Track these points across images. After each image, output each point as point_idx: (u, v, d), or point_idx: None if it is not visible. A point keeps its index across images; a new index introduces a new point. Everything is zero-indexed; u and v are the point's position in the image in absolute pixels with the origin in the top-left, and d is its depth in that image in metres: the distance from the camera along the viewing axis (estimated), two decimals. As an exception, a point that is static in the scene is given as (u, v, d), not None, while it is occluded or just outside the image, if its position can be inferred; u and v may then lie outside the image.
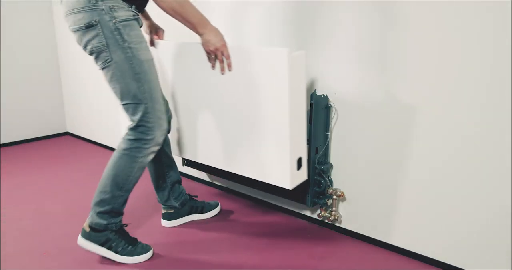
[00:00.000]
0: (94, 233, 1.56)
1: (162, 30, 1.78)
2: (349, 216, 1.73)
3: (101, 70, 1.47)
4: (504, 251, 1.34)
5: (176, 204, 1.86)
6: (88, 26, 1.38)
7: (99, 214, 1.55)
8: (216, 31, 1.48)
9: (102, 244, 1.56)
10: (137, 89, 1.44)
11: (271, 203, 2.02)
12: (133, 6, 1.44)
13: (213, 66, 1.57)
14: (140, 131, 1.49)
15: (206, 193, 2.22)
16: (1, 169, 2.66)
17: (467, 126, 1.34)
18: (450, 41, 1.33)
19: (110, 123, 2.95)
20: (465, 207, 1.40)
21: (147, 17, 1.75)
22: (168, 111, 1.72)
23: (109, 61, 1.41)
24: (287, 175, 1.51)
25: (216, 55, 1.51)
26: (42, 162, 2.77)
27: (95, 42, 1.40)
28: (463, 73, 1.32)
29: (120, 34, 1.39)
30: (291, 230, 1.81)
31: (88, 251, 1.67)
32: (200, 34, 1.48)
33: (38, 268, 1.57)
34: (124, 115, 1.55)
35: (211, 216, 1.95)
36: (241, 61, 1.50)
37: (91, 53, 1.44)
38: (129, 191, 1.56)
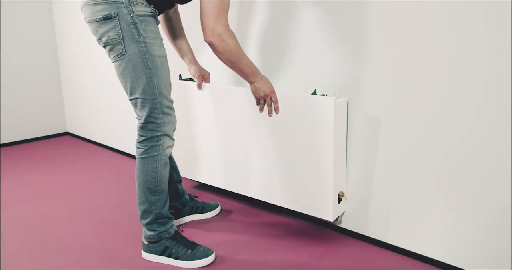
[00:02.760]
0: (152, 245, 1.59)
1: (208, 73, 1.92)
2: (349, 216, 1.73)
3: (113, 63, 1.49)
4: (504, 251, 1.34)
5: (177, 204, 1.86)
6: (106, 18, 1.41)
7: (147, 226, 1.58)
8: (265, 79, 1.60)
9: (162, 253, 1.57)
10: (147, 84, 1.46)
11: (271, 204, 2.02)
12: (152, 6, 1.48)
13: (261, 110, 1.70)
14: (149, 129, 1.50)
15: (206, 193, 2.22)
16: (1, 169, 2.66)
17: (464, 126, 1.35)
18: (438, 44, 1.33)
19: (110, 123, 2.95)
20: (465, 207, 1.40)
21: (194, 62, 1.87)
22: None
23: (123, 54, 1.43)
24: (329, 208, 1.63)
25: (265, 100, 1.64)
26: (42, 162, 2.77)
27: (111, 34, 1.42)
28: (454, 72, 1.33)
29: (136, 28, 1.42)
30: (291, 230, 1.81)
31: (86, 252, 1.67)
32: (251, 82, 1.60)
33: (38, 268, 1.57)
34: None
35: (211, 216, 1.95)
36: (290, 105, 1.63)
37: (105, 45, 1.46)
38: (163, 192, 1.57)
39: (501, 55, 1.24)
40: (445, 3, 1.32)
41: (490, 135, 1.31)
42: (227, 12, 1.45)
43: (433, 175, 1.45)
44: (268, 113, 1.68)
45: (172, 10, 1.79)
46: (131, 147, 2.81)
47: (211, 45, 1.45)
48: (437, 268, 1.50)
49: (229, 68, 1.56)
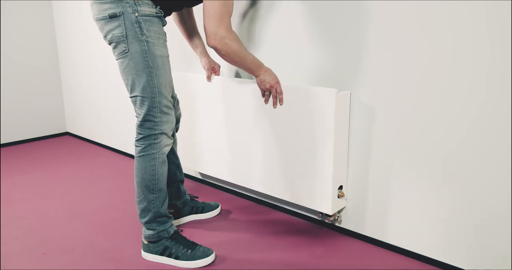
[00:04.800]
0: (152, 244, 1.59)
1: (218, 66, 1.94)
2: (349, 216, 1.73)
3: (117, 61, 1.51)
4: (503, 250, 1.34)
5: (178, 203, 1.87)
6: (112, 16, 1.43)
7: (146, 225, 1.58)
8: (270, 71, 1.62)
9: (162, 253, 1.58)
10: (147, 83, 1.47)
11: (271, 203, 2.02)
12: (158, 7, 1.49)
13: (266, 101, 1.71)
14: (147, 127, 1.51)
15: (206, 193, 2.22)
16: (1, 169, 2.66)
17: (463, 127, 1.35)
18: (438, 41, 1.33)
19: (110, 123, 2.95)
20: (464, 206, 1.40)
21: (205, 54, 1.90)
22: (177, 110, 1.78)
23: (126, 52, 1.45)
24: (328, 202, 1.64)
25: (271, 91, 1.65)
26: (42, 162, 2.77)
27: (116, 32, 1.44)
28: (454, 72, 1.33)
29: (140, 27, 1.43)
30: (291, 230, 1.81)
31: (86, 252, 1.67)
32: (256, 76, 1.61)
33: (38, 268, 1.57)
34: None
35: (211, 216, 1.95)
36: (292, 98, 1.64)
37: (110, 43, 1.49)
38: (161, 190, 1.58)
39: (501, 53, 1.24)
40: (449, 2, 1.32)
41: (489, 133, 1.31)
42: (230, 15, 1.46)
43: (433, 174, 1.45)
44: (273, 105, 1.69)
45: None
46: (131, 147, 2.82)
47: (214, 49, 1.47)
48: (437, 268, 1.50)
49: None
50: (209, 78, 1.94)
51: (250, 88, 1.77)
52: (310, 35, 1.69)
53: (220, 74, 1.99)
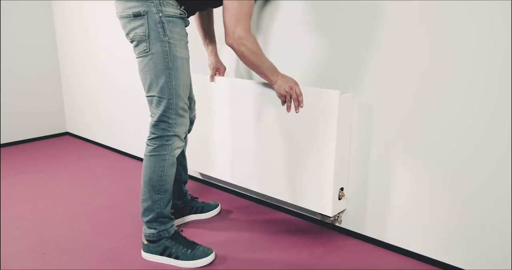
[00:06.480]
0: (152, 244, 1.59)
1: (224, 68, 1.94)
2: (349, 216, 1.73)
3: (136, 59, 1.51)
4: (504, 250, 1.34)
5: (178, 203, 1.87)
6: (136, 15, 1.43)
7: (148, 223, 1.58)
8: (285, 75, 1.62)
9: (162, 253, 1.58)
10: (165, 84, 1.47)
11: (271, 203, 2.02)
12: (182, 7, 1.49)
13: (289, 109, 1.67)
14: (161, 128, 1.51)
15: (206, 193, 2.22)
16: (1, 169, 2.66)
17: (463, 128, 1.35)
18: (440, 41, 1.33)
19: (110, 123, 2.95)
20: (464, 206, 1.40)
21: (214, 54, 1.90)
22: (193, 111, 1.78)
23: (147, 52, 1.45)
24: (329, 204, 1.64)
25: (291, 94, 1.62)
26: (42, 162, 2.77)
27: (138, 31, 1.44)
28: (455, 73, 1.33)
29: (163, 28, 1.43)
30: (291, 230, 1.81)
31: (86, 252, 1.67)
32: (273, 82, 1.60)
33: (38, 268, 1.57)
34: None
35: (211, 216, 1.95)
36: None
37: (132, 41, 1.49)
38: (167, 191, 1.58)
39: (501, 53, 1.24)
40: (449, 2, 1.32)
41: (489, 133, 1.31)
42: (250, 16, 1.46)
43: (433, 174, 1.45)
44: (295, 109, 1.65)
45: None
46: (131, 147, 2.82)
47: (231, 48, 1.48)
48: (437, 268, 1.50)
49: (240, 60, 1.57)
50: (212, 77, 1.94)
51: (252, 89, 1.77)
52: (312, 36, 1.69)
53: (224, 76, 1.99)
